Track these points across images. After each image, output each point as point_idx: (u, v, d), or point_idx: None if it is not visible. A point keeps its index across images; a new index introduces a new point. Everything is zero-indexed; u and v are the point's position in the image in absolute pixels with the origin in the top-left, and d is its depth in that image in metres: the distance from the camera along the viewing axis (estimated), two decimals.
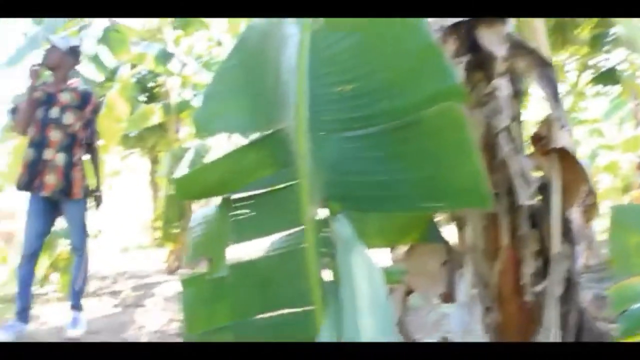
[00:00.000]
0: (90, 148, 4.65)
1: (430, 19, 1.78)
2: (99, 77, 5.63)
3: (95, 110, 4.64)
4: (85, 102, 4.52)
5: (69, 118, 4.43)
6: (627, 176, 12.88)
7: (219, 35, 9.36)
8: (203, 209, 1.63)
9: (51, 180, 4.36)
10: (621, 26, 6.75)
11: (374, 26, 1.35)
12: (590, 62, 8.34)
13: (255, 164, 1.40)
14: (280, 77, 1.43)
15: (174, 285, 7.43)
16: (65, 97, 4.46)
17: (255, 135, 1.48)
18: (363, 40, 1.35)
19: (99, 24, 5.80)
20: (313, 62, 1.39)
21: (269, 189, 1.44)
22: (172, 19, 8.79)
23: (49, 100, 4.46)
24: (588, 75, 8.58)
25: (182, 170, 7.33)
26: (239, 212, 1.46)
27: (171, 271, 8.81)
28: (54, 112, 4.42)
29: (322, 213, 1.40)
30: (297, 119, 1.37)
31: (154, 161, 11.52)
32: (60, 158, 4.38)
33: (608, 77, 8.06)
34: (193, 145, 7.82)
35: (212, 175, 1.46)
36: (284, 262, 1.42)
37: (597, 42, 7.45)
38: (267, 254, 1.45)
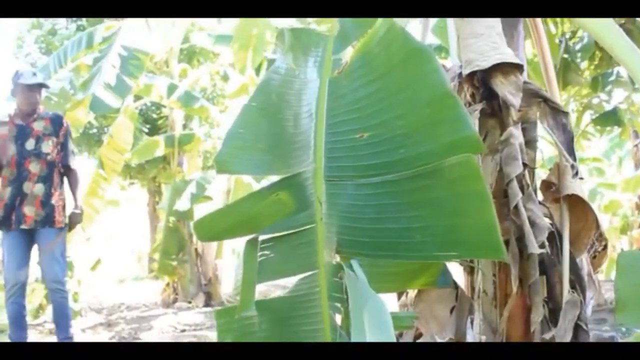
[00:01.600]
0: (67, 170, 4.51)
1: (448, 65, 1.81)
2: (117, 103, 5.65)
3: (68, 133, 4.53)
4: (58, 127, 4.43)
5: (47, 147, 4.34)
6: (626, 216, 12.88)
7: (225, 69, 9.44)
8: None
9: (30, 211, 4.25)
10: (622, 67, 6.85)
11: (391, 75, 1.37)
12: (591, 102, 8.43)
13: (273, 207, 1.41)
14: (299, 121, 1.45)
15: (171, 319, 7.36)
16: (38, 126, 4.37)
17: (270, 178, 1.49)
18: (381, 89, 1.37)
19: (115, 51, 5.84)
20: (332, 108, 1.41)
21: (287, 232, 1.45)
22: (179, 52, 8.90)
23: (22, 132, 4.34)
24: (589, 114, 8.66)
25: (184, 202, 7.33)
26: (261, 253, 1.47)
27: (167, 304, 8.73)
28: (30, 143, 4.32)
29: (337, 257, 1.40)
30: (314, 164, 1.38)
31: (154, 192, 11.52)
32: (38, 188, 4.28)
33: (609, 117, 8.13)
34: (195, 178, 7.83)
35: (232, 217, 1.47)
36: (299, 305, 1.43)
37: (598, 83, 7.54)
38: (287, 295, 1.46)
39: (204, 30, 9.58)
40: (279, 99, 1.52)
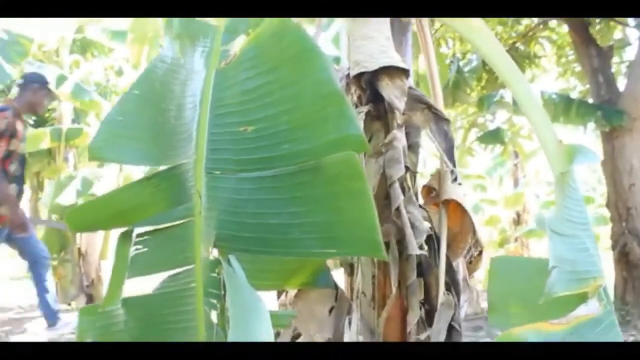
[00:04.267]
0: None
1: (338, 67, 1.82)
2: None
3: None
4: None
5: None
6: (505, 230, 13.65)
7: (120, 64, 9.11)
8: None
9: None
10: (507, 90, 7.28)
11: (281, 70, 1.36)
12: (477, 121, 8.90)
13: (152, 199, 1.36)
14: (183, 112, 1.41)
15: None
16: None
17: (152, 169, 1.44)
18: (269, 83, 1.36)
19: None
20: (217, 100, 1.38)
21: (165, 225, 1.40)
22: (72, 43, 8.50)
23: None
24: (474, 132, 9.13)
25: (69, 198, 6.98)
26: (135, 247, 1.41)
27: None
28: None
29: (215, 253, 1.37)
30: (195, 157, 1.35)
31: (37, 188, 10.89)
32: None
33: (492, 136, 8.60)
34: (81, 174, 7.48)
35: (108, 208, 1.40)
36: (174, 301, 1.37)
37: (483, 103, 7.97)
38: (159, 291, 1.40)
39: (100, 23, 9.20)
40: (162, 88, 1.47)
